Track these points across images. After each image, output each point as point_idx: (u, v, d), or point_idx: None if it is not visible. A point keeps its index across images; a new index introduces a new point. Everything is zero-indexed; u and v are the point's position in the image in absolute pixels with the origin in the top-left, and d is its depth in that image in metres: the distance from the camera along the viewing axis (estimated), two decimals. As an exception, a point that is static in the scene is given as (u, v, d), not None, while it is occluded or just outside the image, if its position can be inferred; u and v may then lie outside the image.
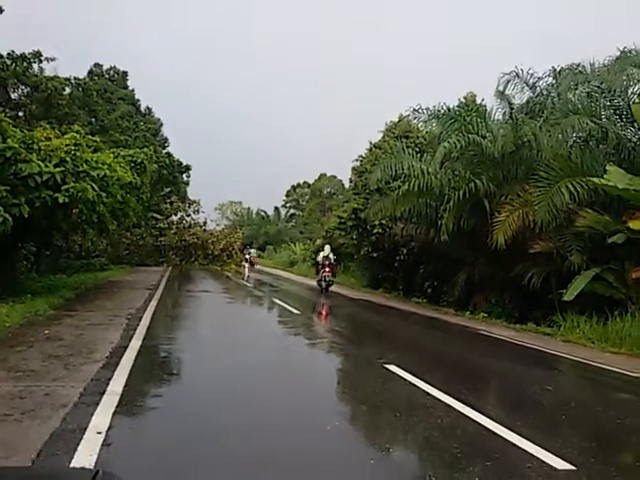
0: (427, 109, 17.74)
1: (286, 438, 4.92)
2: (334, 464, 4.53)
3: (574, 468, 4.55)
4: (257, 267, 45.17)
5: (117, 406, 5.60)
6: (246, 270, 36.59)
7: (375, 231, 21.79)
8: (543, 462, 4.63)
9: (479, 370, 9.19)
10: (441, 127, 17.81)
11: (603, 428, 5.98)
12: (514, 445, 5.03)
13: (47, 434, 4.68)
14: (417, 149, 19.58)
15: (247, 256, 40.93)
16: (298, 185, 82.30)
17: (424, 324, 15.06)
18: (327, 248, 24.09)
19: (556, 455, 4.78)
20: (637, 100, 14.06)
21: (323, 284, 23.14)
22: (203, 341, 10.40)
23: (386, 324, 15.13)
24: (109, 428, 4.91)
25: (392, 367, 7.93)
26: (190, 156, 72.67)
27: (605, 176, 12.78)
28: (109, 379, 6.67)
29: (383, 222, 20.99)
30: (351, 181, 34.10)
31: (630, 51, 15.75)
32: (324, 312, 17.45)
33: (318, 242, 30.05)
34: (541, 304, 14.96)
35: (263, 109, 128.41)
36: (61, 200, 12.52)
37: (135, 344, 8.81)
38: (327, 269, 23.06)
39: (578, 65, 17.22)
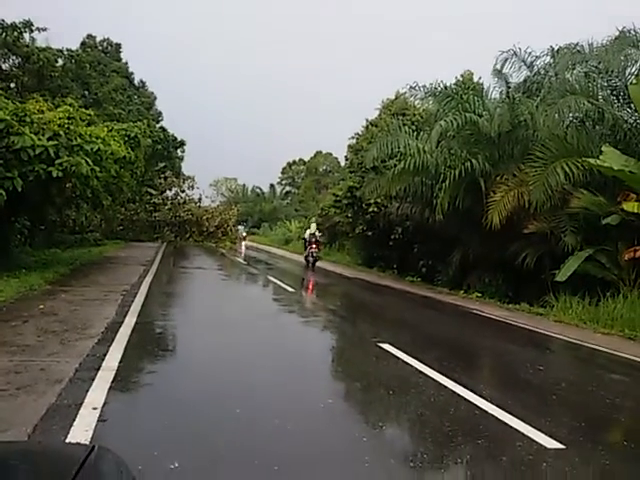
0: (424, 86, 17.72)
1: (280, 416, 4.96)
2: (327, 442, 4.59)
3: (563, 447, 4.62)
4: (251, 244, 45.33)
5: (112, 382, 5.62)
6: (243, 247, 36.67)
7: (370, 210, 21.76)
8: (533, 441, 4.71)
9: (472, 349, 9.26)
10: (438, 105, 17.79)
11: (593, 408, 6.07)
12: (505, 424, 5.11)
13: (43, 409, 4.70)
14: (413, 127, 19.47)
15: (243, 233, 40.90)
16: (294, 162, 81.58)
17: (418, 303, 15.13)
18: (313, 226, 25.50)
19: (546, 434, 4.86)
20: (634, 81, 13.97)
21: (310, 259, 24.37)
22: (197, 318, 10.37)
23: (380, 303, 15.18)
24: (104, 404, 4.94)
25: (386, 346, 7.98)
26: (185, 131, 72.41)
27: (601, 157, 12.77)
28: (104, 355, 6.69)
29: (378, 201, 20.93)
30: (347, 159, 33.90)
31: (629, 31, 15.60)
32: (319, 290, 17.48)
33: (313, 220, 30.00)
34: (534, 284, 15.01)
35: (261, 84, 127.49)
36: (55, 174, 12.44)
37: (130, 320, 8.82)
38: (314, 246, 24.27)
39: (576, 45, 17.15)
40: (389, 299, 16.11)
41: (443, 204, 16.13)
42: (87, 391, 5.25)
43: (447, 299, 15.95)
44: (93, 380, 5.62)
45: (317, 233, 24.81)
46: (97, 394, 5.18)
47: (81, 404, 4.88)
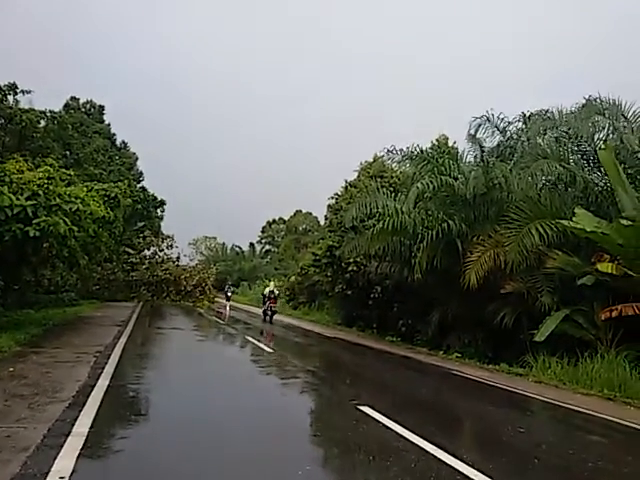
0: (401, 150, 17.98)
1: (257, 483, 4.76)
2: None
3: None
4: (230, 303, 44.88)
5: (82, 449, 5.40)
6: (227, 309, 35.83)
7: (350, 269, 21.65)
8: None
9: (452, 411, 9.12)
10: (414, 168, 18.02)
11: (575, 472, 5.96)
12: (487, 490, 4.95)
13: None
14: (391, 189, 19.68)
15: (229, 293, 41.52)
16: (274, 221, 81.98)
17: (398, 364, 14.94)
18: (272, 284, 29.07)
19: (529, 500, 4.70)
20: (603, 146, 14.47)
21: (269, 312, 27.37)
22: (172, 381, 10.10)
23: (360, 363, 14.99)
24: (72, 472, 4.72)
25: (365, 408, 7.87)
26: (165, 191, 72.89)
27: (574, 219, 12.99)
28: (75, 419, 6.45)
29: (358, 260, 20.85)
30: (326, 218, 34.33)
31: (595, 99, 16.27)
32: (297, 350, 17.18)
33: (293, 279, 30.09)
34: (513, 344, 14.92)
35: (243, 145, 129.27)
36: (32, 234, 12.29)
37: (103, 383, 8.59)
38: (272, 301, 27.47)
39: (547, 111, 17.67)
40: (369, 359, 15.86)
41: (421, 263, 16.13)
42: (55, 459, 5.03)
43: (427, 359, 15.80)
44: (62, 447, 5.40)
45: (276, 291, 28.31)
46: (65, 462, 4.96)
47: (47, 473, 4.66)
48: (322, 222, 54.68)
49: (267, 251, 79.19)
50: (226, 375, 11.09)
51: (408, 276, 17.59)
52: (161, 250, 39.05)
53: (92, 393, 7.77)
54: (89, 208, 14.84)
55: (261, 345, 16.44)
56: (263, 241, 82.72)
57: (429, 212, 17.67)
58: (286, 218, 79.93)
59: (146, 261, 37.42)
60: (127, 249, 35.49)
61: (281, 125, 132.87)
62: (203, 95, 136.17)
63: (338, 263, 22.50)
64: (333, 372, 13.04)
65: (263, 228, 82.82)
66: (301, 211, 77.50)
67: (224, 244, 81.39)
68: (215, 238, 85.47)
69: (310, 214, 74.88)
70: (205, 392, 9.05)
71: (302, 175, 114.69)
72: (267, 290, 28.21)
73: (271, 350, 15.33)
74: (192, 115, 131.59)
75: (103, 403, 7.32)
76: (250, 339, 18.18)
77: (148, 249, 38.57)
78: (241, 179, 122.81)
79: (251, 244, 78.19)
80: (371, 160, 28.05)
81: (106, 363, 10.50)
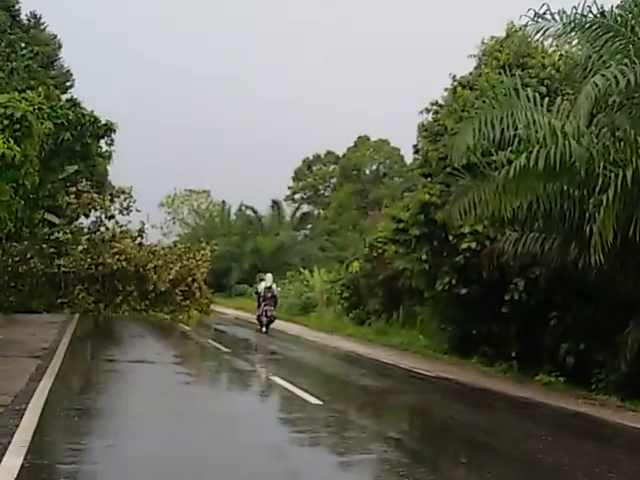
0: (562, 13, 12.48)
1: None
2: None
3: None
4: (235, 314, 31.85)
5: None
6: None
7: (464, 246, 15.76)
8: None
9: None
10: (589, 47, 13.12)
11: None
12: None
13: None
14: (543, 89, 14.91)
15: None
16: (317, 158, 54.16)
17: (562, 428, 10.64)
18: (269, 277, 24.01)
19: None
20: None
21: (264, 320, 22.86)
22: (135, 459, 7.33)
23: (486, 426, 10.59)
24: None
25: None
26: (116, 109, 43.74)
27: None
28: None
29: (478, 229, 15.14)
30: (417, 150, 23.19)
31: None
32: (367, 402, 12.63)
33: (355, 267, 21.96)
34: None
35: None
36: None
37: (11, 463, 6.44)
38: (269, 302, 22.93)
39: None
40: (504, 419, 11.44)
41: (605, 234, 11.27)
42: None
43: (619, 418, 11.11)
44: None
45: (274, 287, 23.65)
46: None
47: None
48: (408, 158, 36.57)
49: (305, 215, 49.65)
50: (234, 448, 8.07)
51: (578, 258, 12.55)
52: (110, 217, 26.38)
53: None
54: None
55: (299, 392, 11.88)
56: (296, 197, 53.77)
57: (618, 133, 12.66)
58: (340, 152, 51.94)
59: (83, 238, 25.52)
60: (48, 216, 24.17)
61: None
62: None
63: (441, 236, 16.48)
64: (435, 443, 9.65)
65: (296, 173, 53.93)
66: (368, 138, 50.73)
67: (224, 204, 50.39)
68: (207, 193, 55.57)
69: (385, 143, 50.22)
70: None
71: (369, 70, 78.42)
72: (262, 285, 23.74)
73: (319, 402, 11.23)
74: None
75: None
76: (279, 381, 13.23)
77: (86, 215, 26.30)
78: (252, 82, 78.35)
79: (275, 203, 47.48)
80: (502, 35, 20.81)
81: (17, 427, 8.00)
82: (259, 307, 23.40)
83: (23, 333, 18.55)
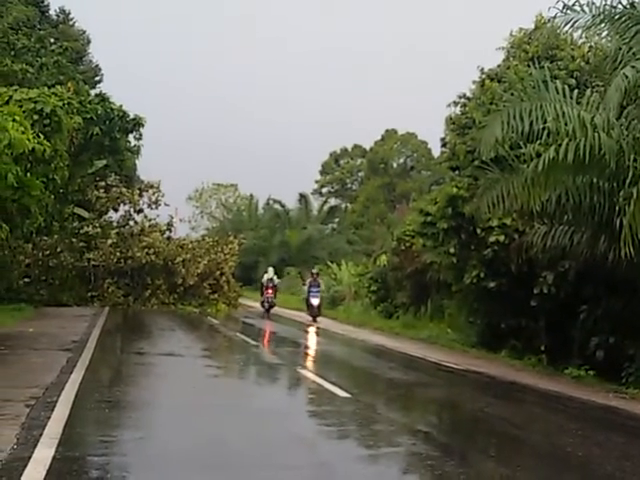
0: (591, 4, 12.23)
1: None
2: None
3: None
4: (260, 309, 29.50)
5: None
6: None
7: (492, 239, 15.43)
8: None
9: None
10: (618, 39, 12.76)
11: None
12: None
13: None
14: (572, 81, 14.67)
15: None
16: (344, 152, 54.24)
17: (592, 422, 10.46)
18: (271, 270, 28.14)
19: None
20: None
21: (266, 305, 26.62)
22: (165, 452, 7.29)
23: (515, 419, 10.36)
24: None
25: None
26: (145, 104, 42.81)
27: None
28: None
29: (507, 222, 14.84)
30: (445, 144, 23.03)
31: None
32: (395, 395, 12.30)
33: (383, 260, 21.73)
34: None
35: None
36: None
37: (43, 454, 6.41)
38: (270, 291, 26.70)
39: None
40: (532, 411, 11.24)
41: (635, 226, 11.13)
42: None
43: None
44: None
45: (275, 278, 27.72)
46: None
47: None
48: (436, 152, 35.99)
49: (332, 209, 49.66)
50: (262, 440, 8.06)
51: (608, 251, 12.37)
52: (139, 211, 26.42)
53: (25, 473, 5.75)
54: (6, 135, 10.83)
55: (328, 385, 11.60)
56: (324, 191, 53.70)
57: (649, 126, 12.32)
58: (367, 146, 51.55)
59: (113, 232, 25.13)
60: (78, 210, 24.06)
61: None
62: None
63: (469, 229, 16.13)
64: (463, 436, 9.50)
65: (324, 167, 53.93)
66: (395, 132, 50.44)
67: (252, 197, 50.41)
68: (235, 187, 55.88)
69: (413, 136, 49.74)
70: (224, 474, 6.50)
71: (396, 63, 77.73)
72: (265, 277, 27.66)
73: (348, 395, 10.98)
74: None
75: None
76: (307, 374, 13.22)
77: (115, 209, 26.27)
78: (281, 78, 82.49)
79: (302, 196, 47.41)
80: (531, 27, 20.08)
81: (49, 418, 8.07)
82: (262, 295, 27.47)
83: (53, 326, 18.47)
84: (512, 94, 13.62)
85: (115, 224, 26.15)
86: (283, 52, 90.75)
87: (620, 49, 12.25)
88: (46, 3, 30.69)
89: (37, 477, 5.78)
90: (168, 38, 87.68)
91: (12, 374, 10.60)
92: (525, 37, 20.16)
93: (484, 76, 19.18)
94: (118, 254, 24.55)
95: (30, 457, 6.39)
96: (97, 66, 33.53)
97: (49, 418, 7.89)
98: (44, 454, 6.52)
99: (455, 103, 20.69)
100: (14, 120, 11.55)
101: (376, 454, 7.81)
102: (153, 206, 26.82)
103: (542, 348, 15.28)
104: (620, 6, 11.90)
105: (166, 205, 27.56)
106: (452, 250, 16.91)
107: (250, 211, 49.15)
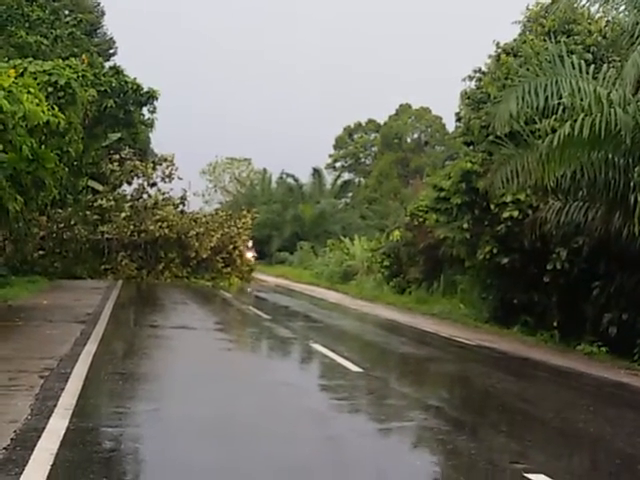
0: None
1: None
2: None
3: None
4: (274, 281, 31.55)
5: None
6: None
7: (506, 215, 15.17)
8: None
9: None
10: (636, 14, 12.53)
11: None
12: None
13: None
14: (588, 56, 14.45)
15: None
16: (358, 126, 53.10)
17: (604, 398, 10.46)
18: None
19: None
20: None
21: None
22: (178, 423, 7.36)
23: (526, 395, 10.31)
24: None
25: (538, 478, 5.66)
26: (159, 77, 44.70)
27: None
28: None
29: (521, 198, 14.51)
30: (459, 119, 21.71)
31: None
32: (407, 370, 12.44)
33: (396, 235, 21.33)
34: None
35: None
36: None
37: (57, 425, 6.46)
38: None
39: None
40: (544, 388, 11.07)
41: None
42: None
43: None
44: None
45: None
46: None
47: None
48: (450, 126, 35.17)
49: (346, 183, 49.10)
50: (274, 413, 8.04)
51: (622, 228, 12.27)
52: (152, 184, 26.21)
53: (39, 444, 5.77)
54: (21, 107, 10.41)
55: (340, 360, 11.46)
56: (337, 165, 52.84)
57: (666, 101, 12.04)
58: (381, 121, 50.42)
59: (126, 205, 25.08)
60: (92, 183, 23.73)
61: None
62: None
63: (483, 204, 15.81)
64: (475, 410, 9.53)
65: (337, 141, 53.00)
66: (409, 106, 49.30)
67: (265, 172, 49.86)
68: (249, 161, 55.06)
69: (427, 111, 49.01)
70: (236, 446, 6.53)
71: (411, 38, 76.58)
72: None
73: (360, 369, 10.91)
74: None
75: (57, 463, 5.21)
76: (320, 349, 12.72)
77: (129, 182, 26.13)
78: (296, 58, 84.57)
79: (315, 171, 46.55)
80: (547, 1, 19.31)
81: (63, 389, 8.12)
82: None
83: (68, 299, 18.28)
84: (528, 69, 13.36)
85: (129, 197, 26.07)
86: (293, 36, 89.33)
87: (638, 24, 11.95)
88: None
89: (51, 447, 5.79)
90: (189, 17, 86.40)
91: (26, 346, 10.55)
92: (541, 11, 19.68)
93: (500, 50, 18.74)
94: (132, 227, 24.51)
95: (44, 428, 6.42)
96: (111, 39, 33.12)
97: (63, 389, 7.92)
98: (58, 425, 6.55)
99: (470, 77, 20.19)
100: (29, 92, 11.24)
101: (388, 428, 7.80)
102: (167, 180, 26.80)
103: (554, 324, 15.14)
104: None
105: (179, 179, 27.38)
106: (465, 225, 16.66)
107: (263, 185, 48.91)
